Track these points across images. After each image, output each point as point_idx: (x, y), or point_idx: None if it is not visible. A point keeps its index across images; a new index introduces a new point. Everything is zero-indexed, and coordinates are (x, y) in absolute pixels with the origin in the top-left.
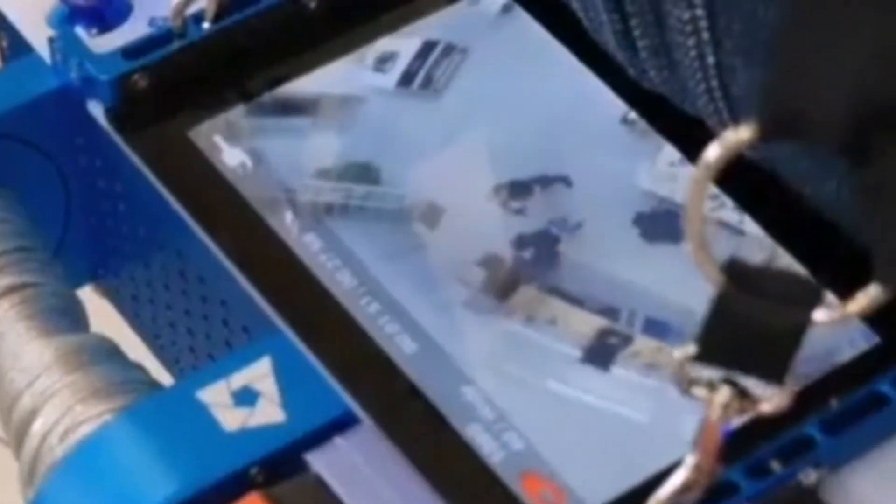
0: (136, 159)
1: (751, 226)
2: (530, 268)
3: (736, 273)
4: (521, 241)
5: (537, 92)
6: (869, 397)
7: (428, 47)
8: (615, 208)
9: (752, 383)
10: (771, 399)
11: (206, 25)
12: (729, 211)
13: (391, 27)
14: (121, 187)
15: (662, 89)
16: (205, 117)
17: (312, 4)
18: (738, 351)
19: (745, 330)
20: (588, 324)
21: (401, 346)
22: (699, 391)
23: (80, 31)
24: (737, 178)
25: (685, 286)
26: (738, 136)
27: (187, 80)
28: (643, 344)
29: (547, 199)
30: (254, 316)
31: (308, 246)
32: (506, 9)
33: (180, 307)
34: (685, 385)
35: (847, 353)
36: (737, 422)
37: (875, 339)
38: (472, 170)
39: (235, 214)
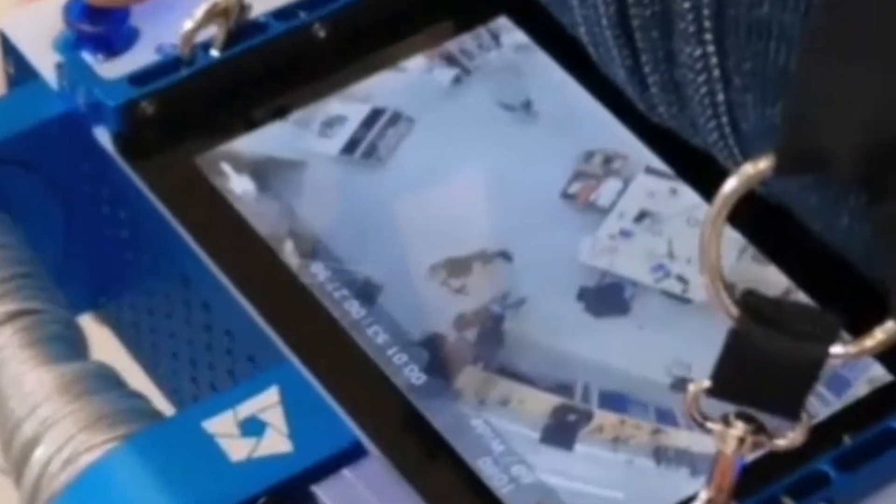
0: (142, 186)
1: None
2: (474, 348)
3: (752, 307)
4: (462, 321)
5: (478, 166)
6: (882, 434)
7: (375, 115)
8: (558, 283)
9: (766, 418)
10: (786, 434)
11: (214, 53)
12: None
13: (398, 57)
14: (125, 214)
15: (671, 124)
16: (212, 144)
17: (322, 34)
18: (752, 385)
19: (760, 364)
20: (543, 402)
21: (409, 378)
22: (714, 426)
23: (86, 56)
24: (748, 216)
25: (637, 357)
26: (756, 168)
27: (195, 108)
28: (604, 418)
29: (488, 275)
30: (260, 345)
31: (315, 276)
32: (457, 80)
33: (183, 337)
34: (699, 420)
35: (860, 391)
36: (751, 457)
37: (888, 377)
38: (411, 246)
39: (242, 242)
